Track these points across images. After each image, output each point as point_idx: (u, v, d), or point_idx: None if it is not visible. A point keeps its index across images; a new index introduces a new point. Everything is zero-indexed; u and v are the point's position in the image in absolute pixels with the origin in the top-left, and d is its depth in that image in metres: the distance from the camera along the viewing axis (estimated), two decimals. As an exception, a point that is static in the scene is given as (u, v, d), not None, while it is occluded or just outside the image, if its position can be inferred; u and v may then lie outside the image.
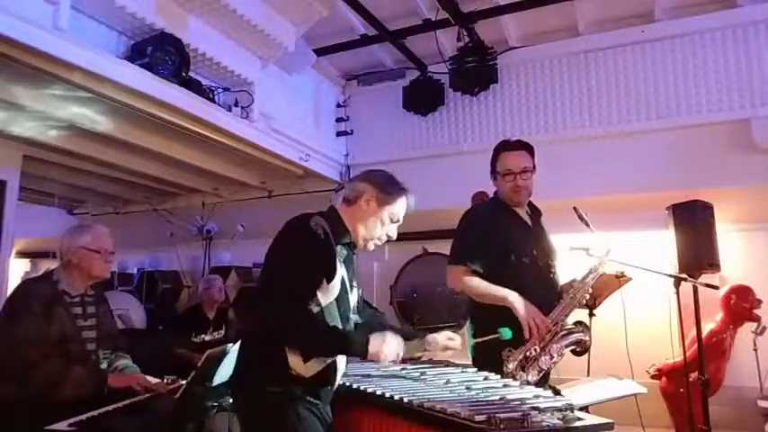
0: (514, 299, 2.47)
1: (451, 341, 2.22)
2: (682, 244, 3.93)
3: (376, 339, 1.89)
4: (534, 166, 2.74)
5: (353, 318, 2.11)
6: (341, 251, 2.01)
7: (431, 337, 2.23)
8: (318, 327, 1.89)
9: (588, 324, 2.52)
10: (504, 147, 2.77)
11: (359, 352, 1.89)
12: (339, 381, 2.06)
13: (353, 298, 2.11)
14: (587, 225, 2.61)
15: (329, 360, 1.95)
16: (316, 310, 1.90)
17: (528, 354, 2.39)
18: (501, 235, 2.65)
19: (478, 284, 2.59)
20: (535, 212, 2.84)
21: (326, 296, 1.93)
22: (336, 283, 1.96)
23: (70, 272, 2.55)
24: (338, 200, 2.16)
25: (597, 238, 2.63)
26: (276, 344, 1.89)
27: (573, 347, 2.52)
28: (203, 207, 6.15)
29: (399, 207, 2.10)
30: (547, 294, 2.58)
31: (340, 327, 1.97)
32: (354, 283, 2.13)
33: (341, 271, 1.99)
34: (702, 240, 3.90)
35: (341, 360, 2.03)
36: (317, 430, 1.92)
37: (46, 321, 2.38)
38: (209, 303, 4.70)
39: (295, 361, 1.88)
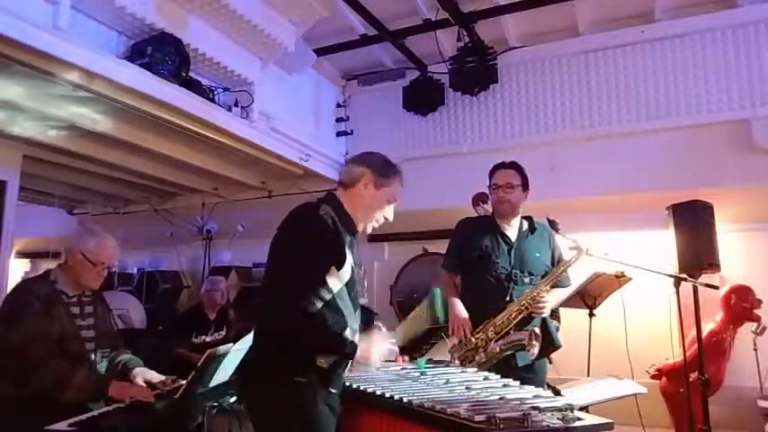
0: (452, 305, 2.90)
1: None
2: (682, 244, 3.93)
3: (364, 343, 1.98)
4: (524, 185, 2.97)
5: (363, 301, 2.18)
6: (346, 237, 2.04)
7: None
8: (315, 329, 1.92)
9: (538, 333, 2.72)
10: (498, 166, 3.05)
11: (349, 353, 1.95)
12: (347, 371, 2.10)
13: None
14: (557, 231, 2.86)
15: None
16: (328, 297, 1.95)
17: (466, 344, 2.75)
18: (468, 244, 2.97)
19: (445, 290, 3.07)
20: (530, 229, 2.98)
21: (337, 282, 1.98)
22: (347, 268, 2.01)
23: (65, 272, 2.54)
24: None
25: (570, 242, 2.83)
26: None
27: (516, 349, 2.73)
28: (203, 207, 6.14)
29: (396, 188, 2.17)
30: (503, 303, 2.81)
31: (352, 310, 2.03)
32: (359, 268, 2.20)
33: (349, 257, 2.03)
34: (702, 240, 3.90)
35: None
36: (332, 421, 1.96)
37: (47, 320, 2.38)
38: (210, 305, 4.68)
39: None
